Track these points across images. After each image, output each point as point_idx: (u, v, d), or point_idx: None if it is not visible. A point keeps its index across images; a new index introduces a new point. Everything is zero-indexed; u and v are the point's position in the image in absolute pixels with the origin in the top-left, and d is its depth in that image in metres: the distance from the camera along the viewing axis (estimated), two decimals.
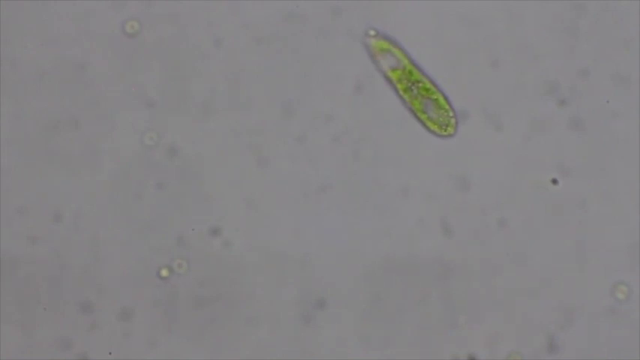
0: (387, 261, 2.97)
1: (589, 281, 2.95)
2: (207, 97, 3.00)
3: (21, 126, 3.00)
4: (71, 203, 2.99)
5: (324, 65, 3.01)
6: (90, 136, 3.00)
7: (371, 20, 3.00)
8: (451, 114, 2.97)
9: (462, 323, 2.94)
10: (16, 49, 3.01)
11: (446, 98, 2.98)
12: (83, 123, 3.00)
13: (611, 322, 2.94)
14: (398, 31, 3.00)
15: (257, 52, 3.01)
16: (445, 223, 2.97)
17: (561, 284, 2.95)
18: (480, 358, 2.95)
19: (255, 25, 3.02)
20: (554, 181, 2.94)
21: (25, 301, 2.97)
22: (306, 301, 2.97)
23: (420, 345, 2.95)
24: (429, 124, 2.98)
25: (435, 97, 2.98)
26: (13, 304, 2.97)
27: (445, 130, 2.97)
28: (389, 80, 2.99)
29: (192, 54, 3.01)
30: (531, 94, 2.99)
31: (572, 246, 2.96)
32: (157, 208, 2.99)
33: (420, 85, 2.98)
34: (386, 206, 2.98)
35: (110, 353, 2.96)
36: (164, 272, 2.97)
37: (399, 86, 2.99)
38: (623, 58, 2.98)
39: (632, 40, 2.98)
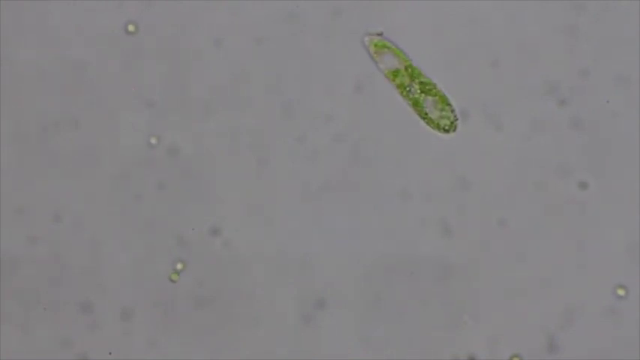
0: (387, 261, 2.97)
1: (589, 281, 2.95)
2: (207, 97, 3.00)
3: (21, 126, 3.00)
4: (71, 203, 2.99)
5: (324, 65, 3.01)
6: (90, 136, 3.00)
7: (371, 20, 3.00)
8: (453, 112, 2.97)
9: (466, 320, 2.94)
10: (16, 49, 3.02)
11: (447, 97, 2.98)
12: (83, 123, 3.00)
13: (611, 322, 2.94)
14: (398, 31, 3.00)
15: (257, 52, 3.01)
16: (445, 223, 2.97)
17: (561, 284, 2.95)
18: (480, 358, 2.95)
19: (255, 25, 3.02)
20: (583, 186, 2.93)
21: (25, 301, 2.97)
22: (306, 301, 2.97)
23: (420, 345, 2.95)
24: (429, 123, 2.98)
25: (436, 95, 2.98)
26: (13, 304, 2.97)
27: (447, 129, 2.98)
28: (389, 80, 3.00)
29: (192, 54, 3.01)
30: (531, 94, 2.99)
31: (572, 246, 2.96)
32: (157, 208, 2.99)
33: (421, 82, 2.98)
34: (386, 206, 2.98)
35: (110, 353, 2.96)
36: (174, 276, 2.97)
37: (398, 85, 2.99)
38: (623, 58, 2.98)
39: (632, 40, 2.98)
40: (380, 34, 2.97)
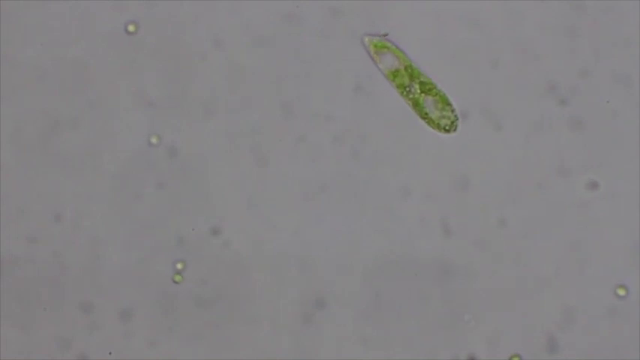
0: (387, 261, 2.97)
1: (589, 281, 2.95)
2: (207, 97, 3.00)
3: (21, 126, 3.00)
4: (71, 203, 2.99)
5: (324, 65, 3.01)
6: (90, 136, 3.00)
7: (371, 20, 3.00)
8: (453, 112, 2.97)
9: (468, 320, 2.94)
10: (16, 49, 3.02)
11: (447, 96, 2.98)
12: (83, 123, 3.00)
13: (611, 322, 2.94)
14: (398, 31, 3.01)
15: (257, 52, 3.01)
16: (445, 223, 2.97)
17: (561, 284, 2.95)
18: (480, 358, 2.95)
19: (255, 25, 3.02)
20: (593, 185, 2.94)
21: (25, 301, 2.97)
22: (306, 301, 2.97)
23: (420, 345, 2.95)
24: (429, 123, 2.98)
25: (436, 95, 2.98)
26: (13, 304, 2.97)
27: (447, 129, 2.98)
28: (389, 80, 3.00)
29: (192, 54, 3.01)
30: (531, 94, 2.99)
31: (572, 246, 2.96)
32: (157, 208, 2.99)
33: (421, 82, 2.98)
34: (386, 206, 2.98)
35: (110, 353, 2.96)
36: (178, 278, 2.97)
37: (398, 85, 2.99)
38: (623, 58, 2.98)
39: (632, 40, 2.98)
40: (385, 35, 2.97)
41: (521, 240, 2.96)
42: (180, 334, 2.97)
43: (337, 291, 2.97)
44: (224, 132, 3.00)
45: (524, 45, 2.99)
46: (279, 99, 3.00)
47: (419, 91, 2.98)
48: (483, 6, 3.00)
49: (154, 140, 2.99)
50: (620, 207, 2.96)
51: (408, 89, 2.98)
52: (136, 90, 3.00)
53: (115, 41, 3.02)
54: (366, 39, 2.99)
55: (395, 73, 2.99)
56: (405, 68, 2.99)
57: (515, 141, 2.98)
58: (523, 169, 2.98)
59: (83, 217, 2.99)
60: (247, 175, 3.00)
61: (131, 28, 3.01)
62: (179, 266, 2.97)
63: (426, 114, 2.98)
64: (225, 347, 2.96)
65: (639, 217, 2.95)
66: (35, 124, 3.00)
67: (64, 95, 3.01)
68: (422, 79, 2.98)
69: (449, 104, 2.98)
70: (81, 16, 3.02)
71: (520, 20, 3.00)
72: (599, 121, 2.98)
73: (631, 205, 2.95)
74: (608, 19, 2.99)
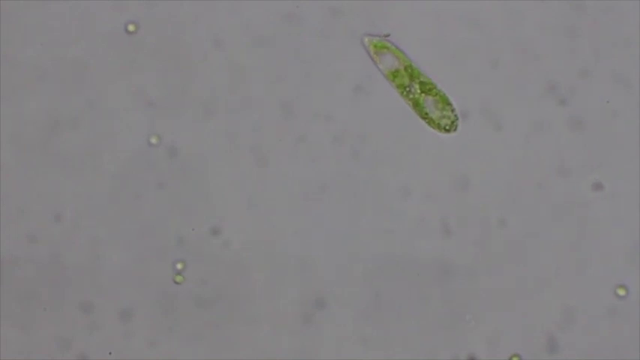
0: (387, 261, 2.97)
1: (589, 281, 2.95)
2: (207, 97, 3.00)
3: (21, 126, 3.00)
4: (71, 203, 2.99)
5: (324, 65, 3.01)
6: (90, 136, 3.00)
7: (371, 20, 3.00)
8: (453, 112, 2.97)
9: (469, 319, 2.94)
10: (16, 49, 3.02)
11: (447, 96, 2.98)
12: (83, 123, 3.00)
13: (611, 322, 2.94)
14: (398, 31, 3.01)
15: (257, 52, 3.01)
16: (445, 223, 2.97)
17: (561, 284, 2.95)
18: (480, 358, 2.95)
19: (255, 25, 3.02)
20: (598, 186, 2.93)
21: (25, 301, 2.97)
22: (306, 301, 2.97)
23: (420, 345, 2.95)
24: (429, 122, 2.98)
25: (436, 95, 2.98)
26: (13, 304, 2.97)
27: (447, 129, 2.98)
28: (389, 80, 3.00)
29: (192, 54, 3.01)
30: (531, 94, 2.99)
31: (572, 246, 2.96)
32: (157, 208, 2.99)
33: (421, 82, 2.98)
34: (386, 206, 2.98)
35: (110, 353, 2.96)
36: (179, 278, 2.97)
37: (398, 85, 2.99)
38: (623, 58, 2.98)
39: (632, 40, 2.98)
40: (387, 36, 2.97)
41: (521, 240, 2.96)
42: (180, 334, 2.97)
43: (337, 291, 2.97)
44: (224, 132, 3.00)
45: (524, 45, 2.99)
46: (279, 99, 3.00)
47: (419, 91, 2.98)
48: (483, 6, 3.00)
49: (153, 140, 2.99)
50: (620, 207, 2.96)
51: (408, 89, 2.98)
52: (136, 90, 3.01)
53: (115, 41, 3.02)
54: (366, 39, 2.99)
55: (395, 74, 2.99)
56: (405, 68, 2.99)
57: (515, 141, 2.98)
58: (523, 169, 2.98)
59: (83, 217, 2.99)
60: (247, 175, 3.00)
61: (131, 28, 3.01)
62: (179, 266, 2.97)
63: (427, 114, 2.98)
64: (225, 347, 2.96)
65: (639, 217, 2.95)
66: (35, 124, 3.00)
67: (64, 95, 3.01)
68: (422, 79, 2.98)
69: (449, 104, 2.98)
70: (81, 16, 3.02)
71: (520, 20, 3.00)
72: (599, 121, 2.98)
73: (631, 205, 2.95)
74: (608, 19, 2.99)
